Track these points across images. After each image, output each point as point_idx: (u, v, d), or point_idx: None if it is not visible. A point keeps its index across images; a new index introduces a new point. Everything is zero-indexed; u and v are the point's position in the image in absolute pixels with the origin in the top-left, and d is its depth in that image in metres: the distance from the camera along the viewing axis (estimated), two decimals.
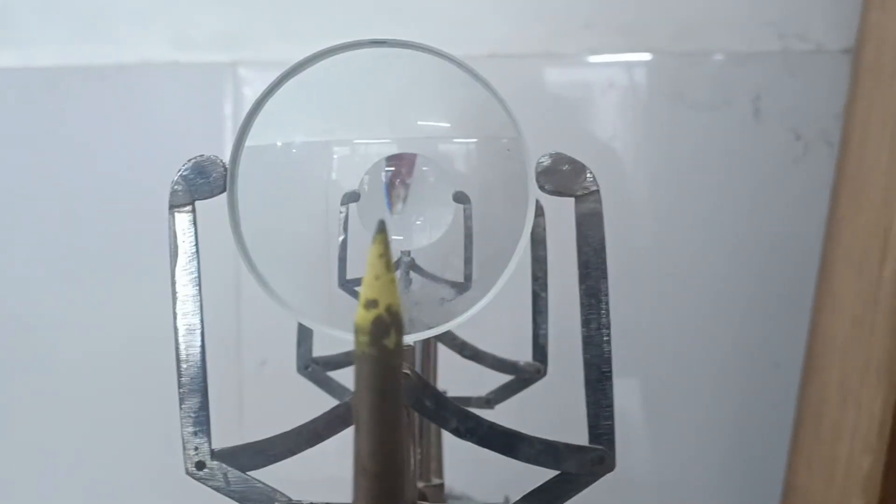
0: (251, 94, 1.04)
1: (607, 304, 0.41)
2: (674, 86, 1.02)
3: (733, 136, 1.02)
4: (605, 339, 0.41)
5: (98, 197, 1.06)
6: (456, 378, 0.69)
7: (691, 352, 1.05)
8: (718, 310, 1.04)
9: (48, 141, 1.06)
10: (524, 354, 0.65)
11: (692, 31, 1.02)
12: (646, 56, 1.03)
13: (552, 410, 0.77)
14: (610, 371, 0.41)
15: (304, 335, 0.63)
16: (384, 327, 0.28)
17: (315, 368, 0.64)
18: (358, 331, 0.28)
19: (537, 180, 0.41)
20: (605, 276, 0.41)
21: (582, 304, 0.42)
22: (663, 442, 1.06)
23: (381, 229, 0.30)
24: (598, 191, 0.42)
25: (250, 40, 1.04)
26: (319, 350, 0.65)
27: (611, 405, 0.42)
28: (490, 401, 0.65)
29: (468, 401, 0.64)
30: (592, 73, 1.05)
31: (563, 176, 0.41)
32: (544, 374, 0.64)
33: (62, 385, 1.09)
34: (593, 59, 1.04)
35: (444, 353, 0.68)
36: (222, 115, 1.05)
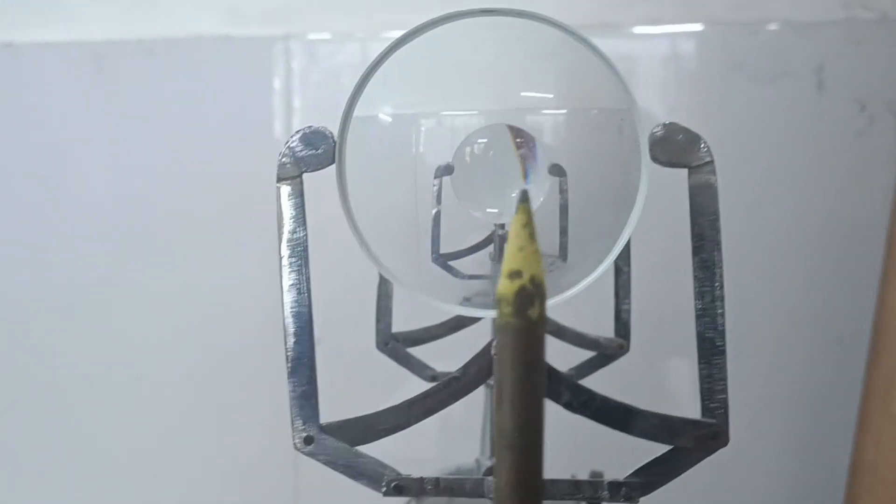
0: (299, 69, 1.05)
1: (721, 276, 0.42)
2: (733, 57, 1.02)
3: (796, 108, 1.02)
4: (719, 311, 0.42)
5: (149, 173, 1.06)
6: None
7: (752, 329, 1.05)
8: (780, 287, 1.04)
9: (97, 116, 1.06)
10: (606, 330, 0.65)
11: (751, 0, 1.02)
12: (703, 27, 1.03)
13: (635, 386, 0.78)
14: (724, 344, 0.42)
15: (384, 311, 0.64)
16: (528, 298, 0.28)
17: (395, 345, 0.64)
18: (501, 301, 0.28)
19: (651, 151, 0.42)
20: (719, 248, 0.42)
21: (695, 277, 0.42)
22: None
23: (524, 199, 0.30)
24: (712, 161, 0.42)
25: (301, 13, 1.04)
26: (398, 326, 0.65)
27: (724, 379, 0.42)
28: (572, 377, 0.65)
29: None
30: (648, 44, 1.05)
31: (677, 146, 0.42)
32: (627, 349, 0.64)
33: (122, 374, 1.10)
34: (649, 30, 1.04)
35: None
36: (271, 89, 1.05)
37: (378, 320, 0.64)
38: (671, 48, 1.04)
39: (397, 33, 0.43)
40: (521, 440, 0.29)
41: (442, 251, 0.52)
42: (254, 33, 1.04)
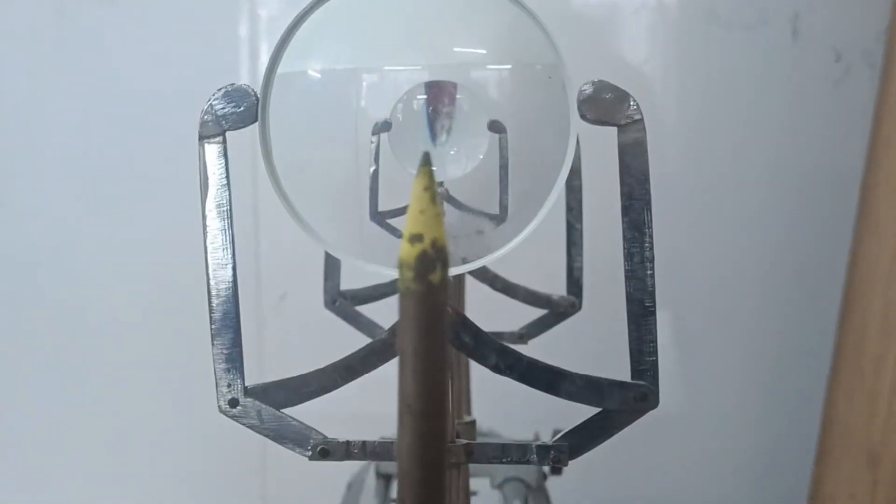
0: (267, 16, 1.04)
1: (651, 236, 0.41)
2: (708, 5, 1.01)
3: (770, 57, 1.01)
4: (648, 272, 0.42)
5: (111, 124, 1.06)
6: (486, 312, 0.69)
7: (725, 282, 1.05)
8: (753, 239, 1.04)
9: (58, 67, 1.06)
10: (558, 288, 0.65)
11: None
12: None
13: (587, 345, 0.78)
14: (653, 305, 0.42)
15: (332, 269, 0.64)
16: (429, 262, 0.28)
17: (343, 303, 0.64)
18: (402, 266, 0.28)
19: (579, 109, 0.41)
20: (648, 208, 0.41)
21: (625, 237, 0.42)
22: (698, 376, 1.07)
23: (426, 161, 0.30)
24: (641, 119, 0.41)
25: None
26: (347, 284, 0.65)
27: (654, 340, 0.42)
28: (523, 336, 0.65)
29: (501, 336, 0.64)
30: None
31: (605, 104, 0.41)
32: (579, 308, 0.64)
33: (87, 324, 1.10)
34: None
35: (473, 286, 0.68)
36: (237, 38, 1.04)
37: (326, 278, 0.64)
38: None
39: None
40: (422, 406, 0.29)
41: (382, 209, 0.52)
42: None
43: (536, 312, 0.66)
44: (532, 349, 0.57)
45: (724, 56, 1.02)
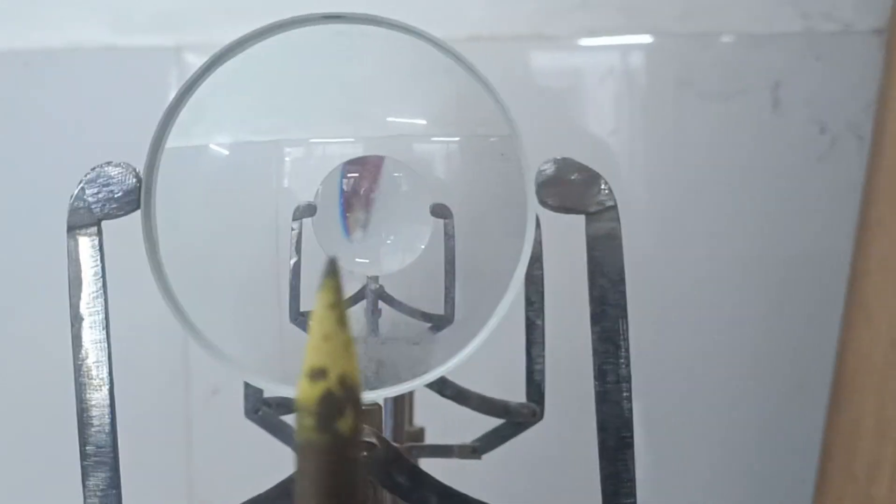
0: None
1: (627, 349, 0.35)
2: (681, 73, 0.97)
3: (749, 129, 0.97)
4: (624, 394, 0.35)
5: (20, 204, 0.99)
6: (435, 420, 0.63)
7: (702, 375, 1.00)
8: (733, 327, 0.99)
9: None
10: (516, 394, 0.58)
11: (702, 9, 0.97)
12: (649, 38, 0.98)
13: (549, 458, 0.71)
14: (631, 436, 0.35)
15: None
16: (336, 406, 0.22)
17: (266, 412, 0.57)
18: (301, 410, 0.21)
19: (538, 193, 0.35)
20: (624, 315, 0.35)
21: (595, 351, 0.35)
22: (673, 477, 1.01)
23: (332, 270, 0.23)
24: (615, 206, 0.35)
25: (197, 21, 0.98)
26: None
27: (632, 479, 0.35)
28: (476, 449, 0.58)
29: (450, 450, 0.58)
30: (588, 58, 1.00)
31: (570, 188, 0.35)
32: (540, 416, 0.57)
33: None
34: (589, 42, 0.99)
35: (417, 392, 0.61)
36: (165, 107, 0.98)
37: (246, 384, 0.57)
38: (616, 62, 0.98)
39: None
40: None
41: (305, 309, 0.45)
42: (144, 43, 0.98)
43: (492, 422, 0.59)
44: (487, 464, 0.51)
45: (699, 128, 0.98)
